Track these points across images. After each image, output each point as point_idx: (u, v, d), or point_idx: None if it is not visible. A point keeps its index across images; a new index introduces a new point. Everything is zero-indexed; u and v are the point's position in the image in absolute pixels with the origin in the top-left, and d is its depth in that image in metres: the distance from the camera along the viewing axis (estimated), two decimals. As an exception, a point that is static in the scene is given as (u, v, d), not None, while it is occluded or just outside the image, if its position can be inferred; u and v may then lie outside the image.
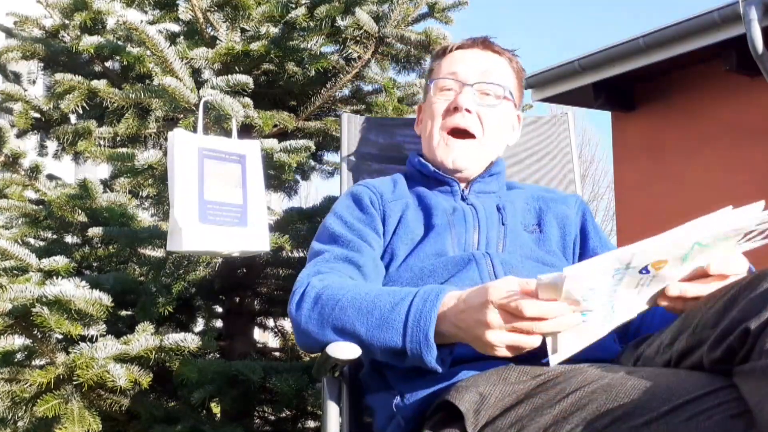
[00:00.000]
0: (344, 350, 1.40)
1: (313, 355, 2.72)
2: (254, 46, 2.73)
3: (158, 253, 2.72)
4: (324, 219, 1.80)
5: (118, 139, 2.90)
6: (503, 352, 1.22)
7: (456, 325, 1.27)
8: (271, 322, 3.46)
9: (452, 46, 1.89)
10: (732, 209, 1.19)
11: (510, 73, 1.88)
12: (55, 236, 2.99)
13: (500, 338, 1.21)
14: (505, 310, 1.20)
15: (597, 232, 1.83)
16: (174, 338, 2.30)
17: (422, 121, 1.93)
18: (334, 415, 1.55)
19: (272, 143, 2.59)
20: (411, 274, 1.63)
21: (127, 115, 2.79)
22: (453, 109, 1.80)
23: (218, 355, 2.85)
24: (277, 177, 2.78)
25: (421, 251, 1.66)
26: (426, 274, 1.61)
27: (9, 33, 3.14)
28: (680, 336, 1.20)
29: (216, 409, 2.91)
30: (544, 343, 1.23)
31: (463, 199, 1.79)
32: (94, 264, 2.91)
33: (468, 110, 1.78)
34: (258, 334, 3.48)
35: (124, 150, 2.78)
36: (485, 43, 1.88)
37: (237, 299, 3.10)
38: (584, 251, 1.79)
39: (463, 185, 1.83)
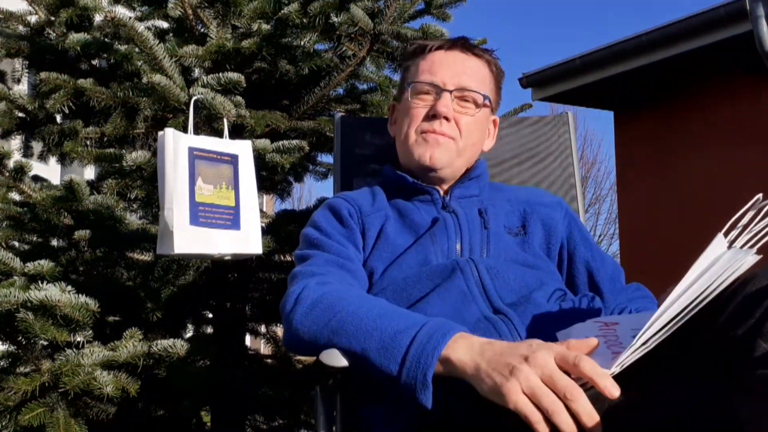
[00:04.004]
0: (339, 358, 1.36)
1: (306, 362, 2.70)
2: (246, 43, 2.70)
3: (147, 256, 2.70)
4: (303, 230, 1.77)
5: (106, 139, 2.86)
6: (519, 398, 1.08)
7: (481, 352, 1.18)
8: (263, 328, 3.44)
9: (431, 46, 1.85)
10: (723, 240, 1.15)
11: (489, 77, 1.86)
12: (40, 239, 2.95)
13: (531, 379, 1.08)
14: (561, 358, 1.09)
15: (585, 240, 1.81)
16: (163, 344, 2.27)
17: (397, 121, 1.89)
18: (326, 425, 1.51)
19: (265, 143, 2.56)
20: (394, 285, 1.60)
21: (114, 114, 2.76)
22: (431, 116, 1.77)
23: (208, 362, 2.81)
24: (270, 178, 2.77)
25: (403, 262, 1.64)
26: (410, 284, 1.58)
27: (-7, 30, 3.09)
28: (670, 342, 1.15)
29: (206, 417, 2.91)
30: None
31: (445, 206, 1.77)
32: (81, 268, 2.88)
33: (446, 118, 1.76)
34: (249, 341, 3.44)
35: (111, 150, 2.74)
36: (465, 45, 1.85)
37: (228, 304, 3.07)
38: (574, 260, 1.77)
39: (442, 191, 1.81)
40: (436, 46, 1.84)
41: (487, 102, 1.82)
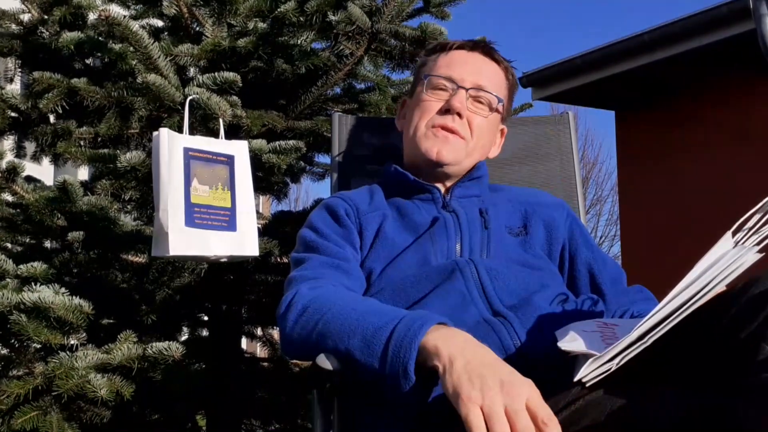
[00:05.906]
0: (334, 361, 1.34)
1: (303, 366, 2.69)
2: (242, 42, 2.70)
3: (141, 258, 2.70)
4: (300, 231, 1.75)
5: (100, 139, 2.85)
6: (474, 412, 1.05)
7: (462, 349, 1.16)
8: (259, 331, 3.43)
9: (452, 44, 1.85)
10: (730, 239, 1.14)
11: (504, 84, 1.86)
12: (33, 241, 2.94)
13: (496, 403, 1.05)
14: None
15: (587, 240, 1.80)
16: (158, 347, 2.27)
17: (406, 115, 1.88)
18: (324, 429, 1.48)
19: (261, 144, 2.55)
20: (392, 286, 1.58)
21: (108, 114, 2.75)
22: (444, 111, 1.76)
23: (204, 365, 2.80)
24: (266, 179, 2.76)
25: (402, 262, 1.62)
26: (408, 285, 1.56)
27: (-15, 29, 3.06)
28: (672, 346, 1.14)
29: (202, 421, 2.91)
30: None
31: (445, 206, 1.76)
32: (75, 270, 2.87)
33: (459, 114, 1.75)
34: (245, 343, 3.43)
35: (105, 151, 2.73)
36: (486, 49, 1.85)
37: (224, 307, 3.06)
38: (576, 262, 1.76)
39: (443, 190, 1.80)
40: (457, 45, 1.85)
41: (500, 106, 1.82)
